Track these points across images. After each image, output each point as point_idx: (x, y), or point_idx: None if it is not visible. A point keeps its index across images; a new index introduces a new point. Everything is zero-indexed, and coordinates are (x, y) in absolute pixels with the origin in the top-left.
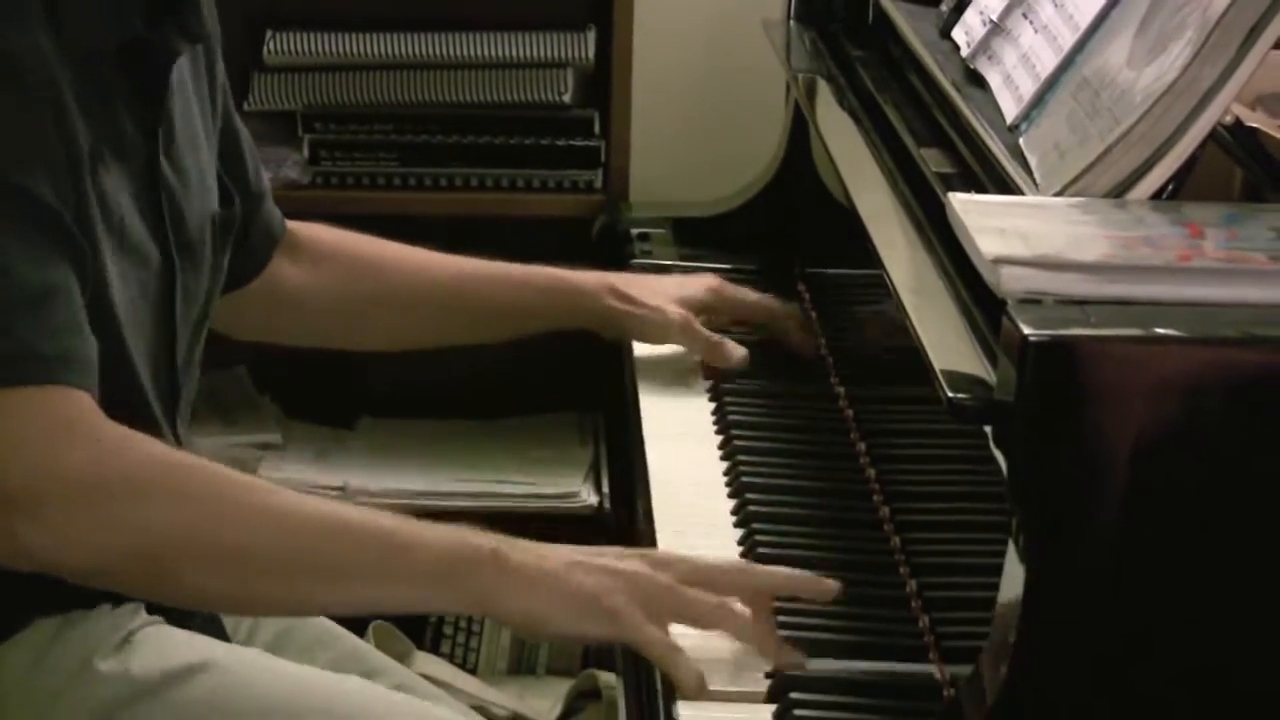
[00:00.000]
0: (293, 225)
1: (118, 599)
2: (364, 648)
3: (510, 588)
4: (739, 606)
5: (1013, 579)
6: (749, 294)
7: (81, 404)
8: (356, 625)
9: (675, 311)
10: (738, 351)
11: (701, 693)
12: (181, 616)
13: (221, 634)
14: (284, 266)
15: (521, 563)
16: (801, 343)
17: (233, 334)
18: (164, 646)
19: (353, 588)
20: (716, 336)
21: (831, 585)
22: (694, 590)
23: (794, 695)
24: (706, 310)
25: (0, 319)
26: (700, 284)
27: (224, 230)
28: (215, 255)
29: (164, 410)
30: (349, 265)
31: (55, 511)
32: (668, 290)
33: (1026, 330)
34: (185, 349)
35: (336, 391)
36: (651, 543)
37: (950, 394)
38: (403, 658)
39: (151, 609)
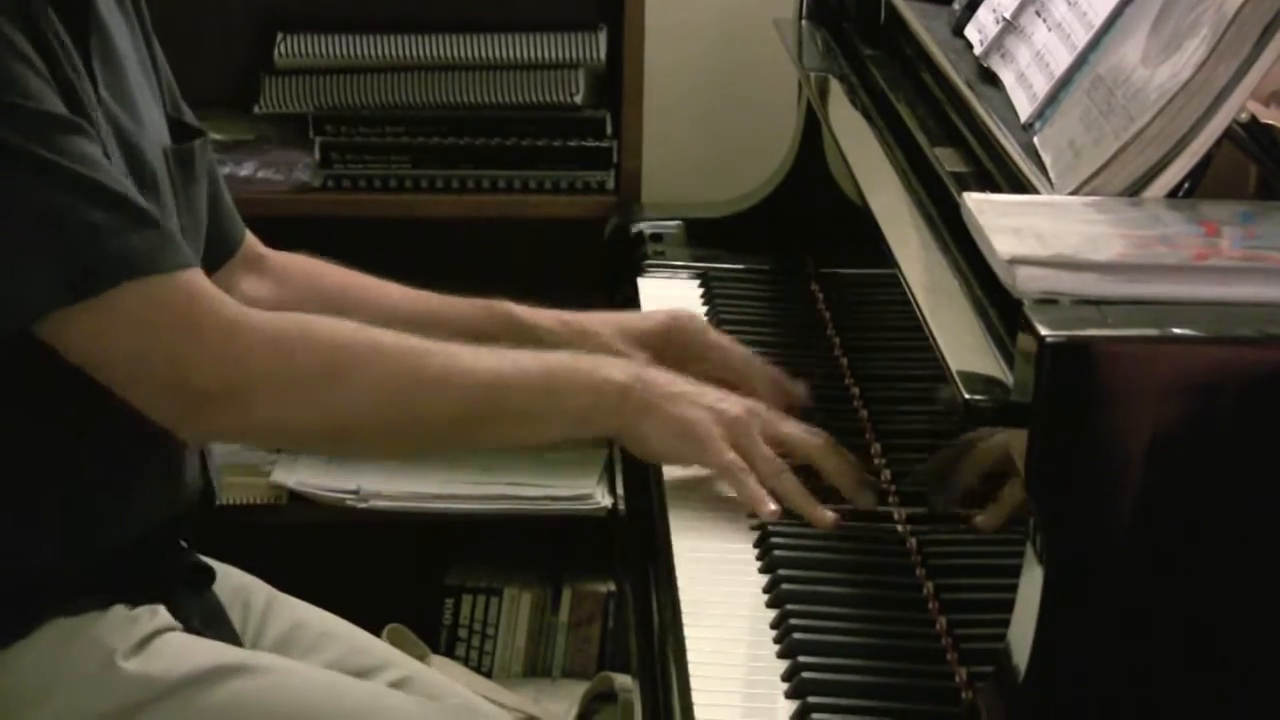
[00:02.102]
0: (270, 251)
1: (133, 600)
2: (372, 642)
3: (628, 415)
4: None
5: (1031, 579)
6: (710, 333)
7: (207, 288)
8: (370, 629)
9: (637, 356)
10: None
11: (767, 513)
12: (192, 617)
13: (232, 633)
14: (245, 280)
15: (640, 392)
16: (773, 399)
17: None
18: (184, 651)
19: (512, 429)
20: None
21: (869, 499)
22: (765, 448)
23: (812, 699)
24: (663, 346)
25: (102, 223)
26: (662, 316)
27: (181, 164)
28: (176, 190)
29: None
30: (309, 289)
31: (249, 402)
32: (626, 326)
33: (1043, 331)
34: None
35: None
36: (667, 546)
37: (967, 395)
38: (419, 661)
39: (171, 612)
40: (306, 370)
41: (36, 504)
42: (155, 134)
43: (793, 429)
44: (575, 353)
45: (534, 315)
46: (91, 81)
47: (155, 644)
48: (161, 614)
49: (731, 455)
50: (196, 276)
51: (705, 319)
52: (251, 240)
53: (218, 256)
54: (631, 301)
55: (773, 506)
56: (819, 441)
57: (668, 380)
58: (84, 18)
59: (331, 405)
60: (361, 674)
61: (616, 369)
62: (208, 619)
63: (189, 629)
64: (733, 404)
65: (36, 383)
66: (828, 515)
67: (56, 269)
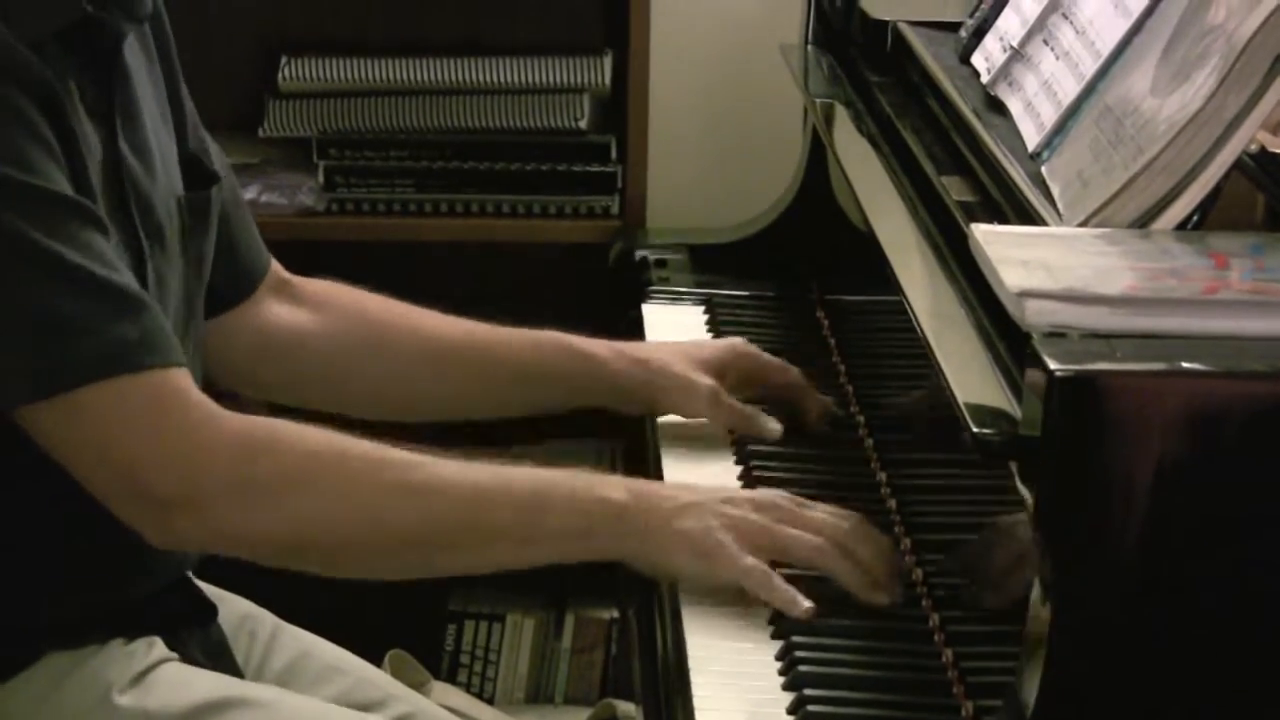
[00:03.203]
0: (293, 277)
1: (131, 633)
2: (376, 675)
3: (631, 538)
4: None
5: (1039, 613)
6: (765, 357)
7: (185, 387)
8: (372, 655)
9: (704, 382)
10: (771, 426)
11: (800, 611)
12: (193, 650)
13: (233, 665)
14: (274, 306)
15: (640, 513)
16: (816, 419)
17: (220, 381)
18: (182, 683)
19: (496, 552)
20: (749, 408)
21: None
22: (791, 529)
23: None
24: (720, 372)
25: (81, 316)
26: (713, 346)
27: (194, 212)
28: (186, 239)
29: None
30: (346, 313)
31: (210, 511)
32: (685, 354)
33: (1053, 365)
34: None
35: (354, 421)
36: (673, 589)
37: (975, 429)
38: (420, 687)
39: (170, 644)
40: (270, 477)
41: (38, 549)
42: (168, 183)
43: (815, 515)
44: (575, 471)
45: (590, 345)
46: (112, 134)
47: (152, 677)
48: (159, 646)
49: (749, 561)
50: (169, 377)
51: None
52: (277, 267)
53: (247, 286)
54: (636, 327)
55: (807, 604)
56: (848, 524)
57: (669, 493)
58: (110, 68)
59: (295, 514)
60: (365, 708)
61: (614, 488)
62: (210, 653)
63: (190, 662)
64: (741, 503)
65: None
66: (883, 591)
67: (24, 363)
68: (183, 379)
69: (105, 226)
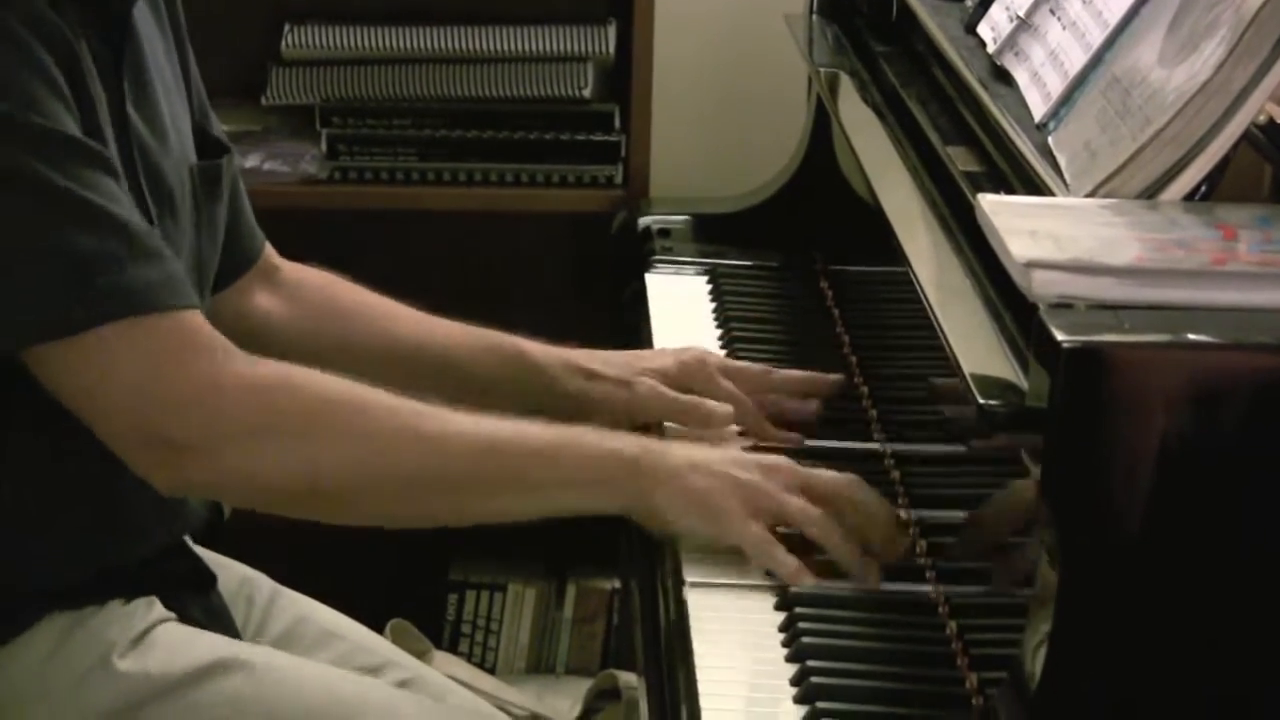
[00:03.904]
0: (285, 262)
1: (130, 595)
2: (375, 640)
3: (640, 489)
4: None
5: (1045, 585)
6: (724, 381)
7: (204, 330)
8: (373, 624)
9: (642, 381)
10: (718, 410)
11: (800, 579)
12: (193, 613)
13: (232, 628)
14: (259, 294)
15: (652, 466)
16: (776, 439)
17: None
18: (182, 645)
19: (508, 500)
20: (689, 398)
21: (901, 547)
22: (796, 499)
23: (821, 704)
24: (671, 381)
25: (102, 255)
26: (671, 355)
27: (206, 181)
28: (199, 208)
29: None
30: (324, 308)
31: (225, 456)
32: (633, 363)
33: (1060, 336)
34: None
35: None
36: (675, 558)
37: (981, 400)
38: (421, 656)
39: (167, 605)
40: (286, 422)
41: (40, 513)
42: (181, 151)
43: (821, 476)
44: (587, 427)
45: (544, 354)
46: (120, 98)
47: (151, 637)
48: (157, 606)
49: (753, 528)
50: (189, 319)
51: (719, 357)
52: (269, 252)
53: (235, 270)
54: (639, 297)
55: (809, 577)
56: (850, 484)
57: (680, 449)
58: (120, 31)
59: (309, 460)
60: (364, 672)
61: (625, 441)
62: (210, 618)
63: (188, 623)
64: (749, 466)
65: (43, 394)
66: (875, 570)
67: (42, 302)
68: (200, 322)
69: (119, 174)
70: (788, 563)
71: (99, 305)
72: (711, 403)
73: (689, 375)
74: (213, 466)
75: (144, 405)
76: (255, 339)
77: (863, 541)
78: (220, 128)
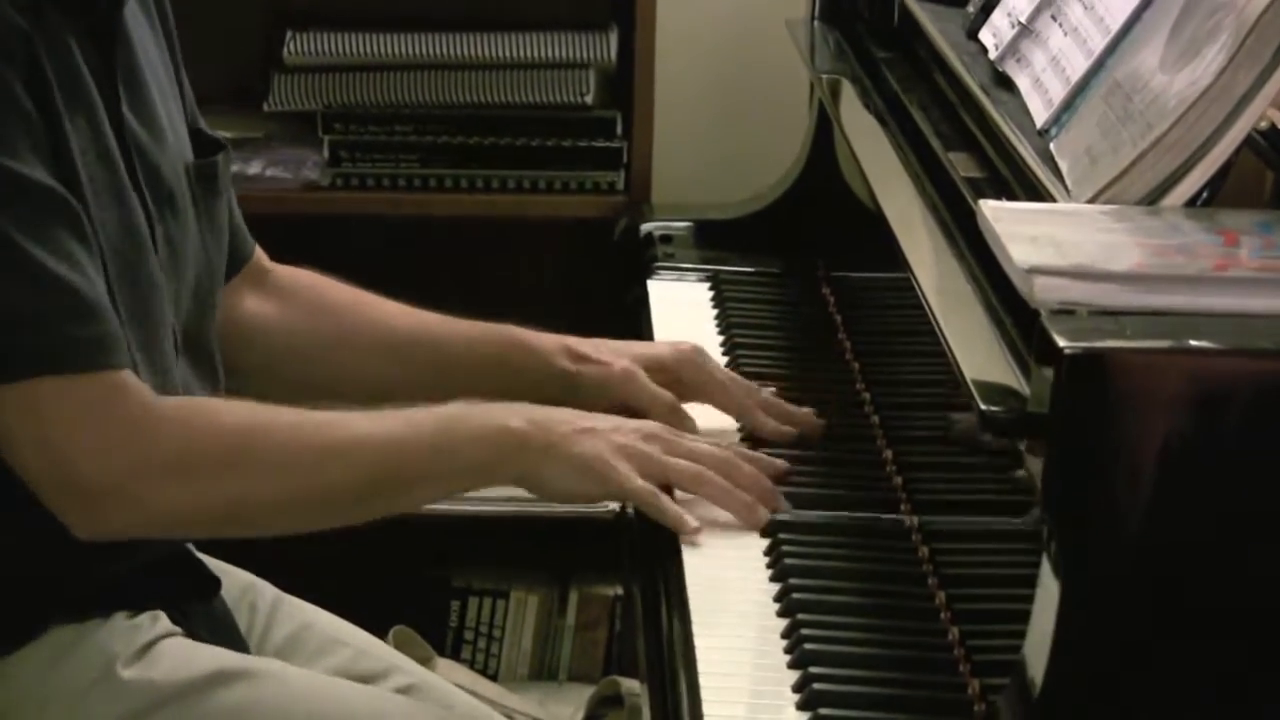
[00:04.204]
0: (275, 266)
1: (135, 607)
2: (378, 646)
3: (533, 462)
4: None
5: (1047, 592)
6: (720, 373)
7: (129, 384)
8: (376, 631)
9: (619, 363)
10: (689, 418)
11: (688, 530)
12: (197, 624)
13: (237, 638)
14: (249, 297)
15: (539, 438)
16: (773, 433)
17: None
18: (186, 656)
19: (417, 492)
20: (667, 397)
21: (783, 505)
22: (674, 458)
23: (823, 711)
24: (665, 372)
25: (33, 312)
26: (668, 346)
27: (203, 179)
28: (198, 206)
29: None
30: (314, 306)
31: (140, 496)
32: (626, 349)
33: (1061, 342)
34: (186, 313)
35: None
36: (676, 551)
37: (983, 406)
38: (424, 663)
39: (172, 618)
40: (203, 458)
41: (44, 520)
42: (178, 150)
43: (695, 445)
44: (469, 404)
45: (540, 341)
46: (115, 99)
47: (156, 650)
48: (163, 620)
49: (639, 481)
50: (116, 378)
51: (707, 354)
52: (259, 255)
53: (227, 272)
54: (641, 304)
55: (694, 523)
56: (725, 454)
57: (565, 418)
58: (110, 32)
59: (226, 492)
60: (367, 679)
61: (512, 415)
62: (214, 627)
63: (193, 637)
64: (629, 432)
65: None
66: (759, 512)
67: None
68: (126, 379)
69: (78, 216)
70: (673, 511)
71: (23, 361)
72: (684, 409)
73: (681, 366)
74: (132, 508)
75: (62, 456)
76: (247, 342)
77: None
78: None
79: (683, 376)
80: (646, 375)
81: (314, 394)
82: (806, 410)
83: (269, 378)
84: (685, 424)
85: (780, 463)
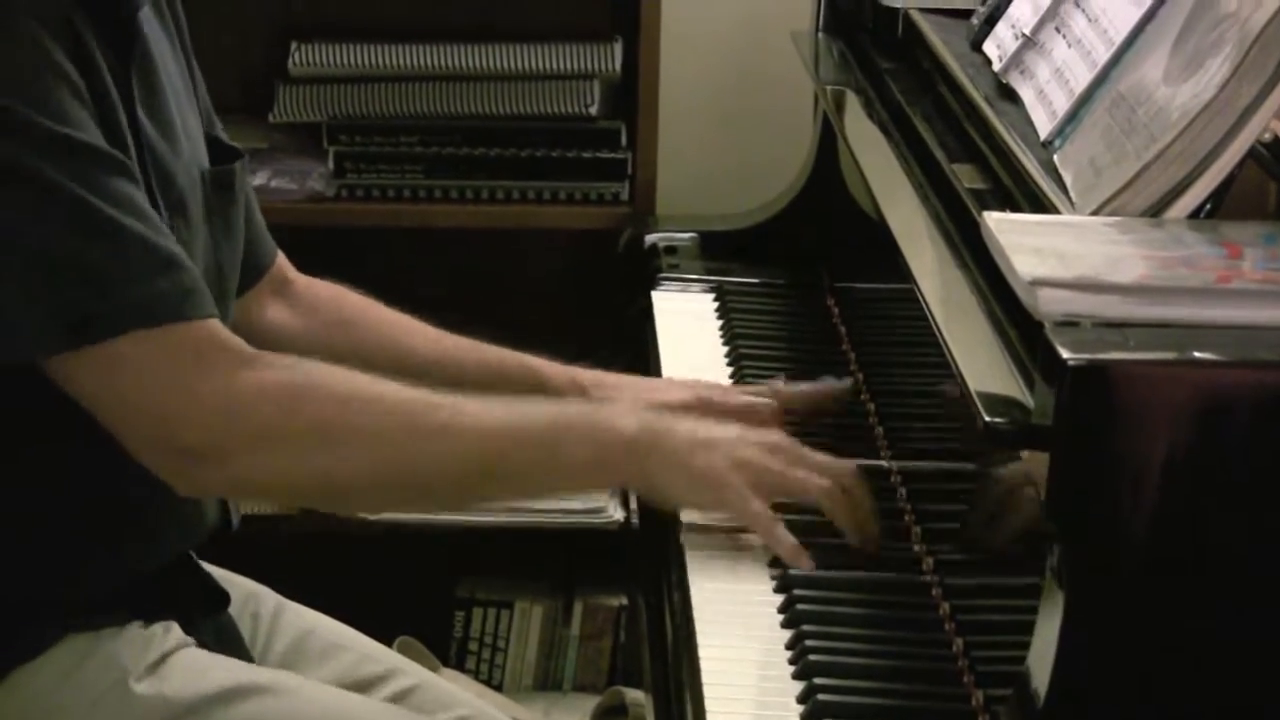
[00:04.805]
0: (297, 275)
1: (149, 617)
2: (380, 650)
3: (642, 469)
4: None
5: (1051, 603)
6: (734, 399)
7: (221, 336)
8: (381, 641)
9: None
10: None
11: (800, 560)
12: (206, 635)
13: (244, 649)
14: (269, 304)
15: (652, 445)
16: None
17: None
18: (199, 670)
19: (515, 486)
20: None
21: (874, 548)
22: (797, 471)
23: None
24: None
25: (116, 269)
26: (679, 390)
27: (220, 186)
28: (213, 212)
29: None
30: (333, 320)
31: (239, 459)
32: (639, 396)
33: (1065, 354)
34: None
35: None
36: (681, 562)
37: (987, 418)
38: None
39: (186, 629)
40: (297, 428)
41: (58, 527)
42: (193, 156)
43: (819, 458)
44: (590, 402)
45: (558, 376)
46: (131, 100)
47: (169, 663)
48: (175, 631)
49: (756, 505)
50: (206, 328)
51: (730, 385)
52: (281, 263)
53: (247, 280)
54: (645, 315)
55: (808, 560)
56: (849, 469)
57: (682, 428)
58: (128, 36)
59: (322, 463)
60: (370, 682)
61: (627, 419)
62: (221, 638)
63: (203, 646)
64: (751, 446)
65: (61, 407)
66: (869, 532)
67: (55, 313)
68: (218, 330)
69: (137, 178)
70: (787, 540)
71: (116, 317)
72: None
73: (703, 413)
74: (228, 471)
75: (160, 413)
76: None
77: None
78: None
79: (706, 409)
80: None
81: None
82: (826, 385)
83: None
84: None
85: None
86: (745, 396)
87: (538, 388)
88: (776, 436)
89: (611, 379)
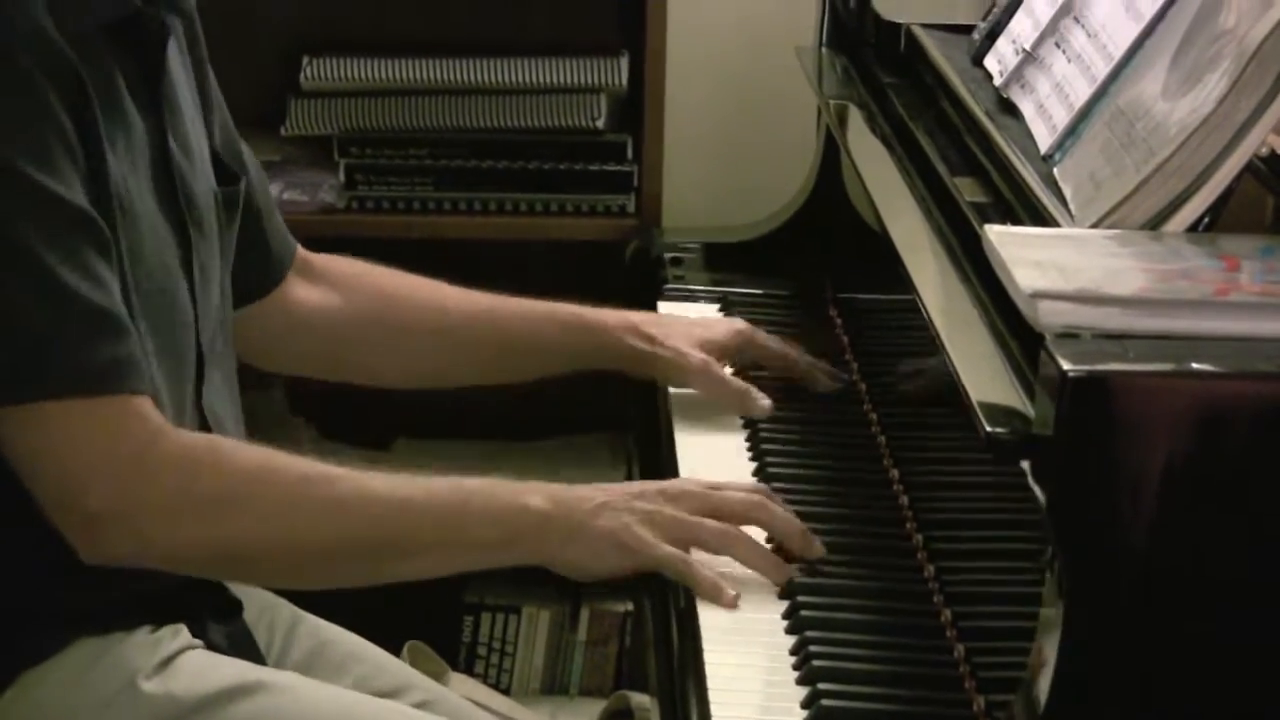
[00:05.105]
0: (313, 255)
1: (158, 621)
2: (393, 663)
3: (553, 543)
4: (745, 532)
5: (1051, 610)
6: (774, 342)
7: (144, 411)
8: (391, 646)
9: (695, 356)
10: (761, 401)
11: (721, 597)
12: (218, 641)
13: (256, 654)
14: (299, 287)
15: (562, 518)
16: (828, 387)
17: (249, 358)
18: (206, 669)
19: (421, 562)
20: (741, 384)
21: (819, 548)
22: (704, 519)
23: None
24: (728, 355)
25: (55, 332)
26: (725, 327)
27: (227, 206)
28: (221, 232)
29: (190, 391)
30: (366, 291)
31: (141, 527)
32: (691, 332)
33: (1066, 365)
34: (210, 334)
35: (372, 413)
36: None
37: (988, 428)
38: (438, 678)
39: (194, 634)
40: (202, 497)
41: (66, 544)
42: (205, 175)
43: (727, 495)
44: (496, 480)
45: (605, 320)
46: (160, 125)
47: (177, 663)
48: (184, 633)
49: (667, 549)
50: (134, 403)
51: (757, 330)
52: (301, 251)
53: (276, 276)
54: None
55: (731, 593)
56: (757, 499)
57: (586, 496)
58: (158, 61)
59: (224, 534)
60: (383, 695)
61: (537, 496)
62: (233, 642)
63: (214, 648)
64: (653, 496)
65: None
66: (786, 570)
67: None
68: (141, 405)
69: (106, 241)
70: (707, 579)
71: (43, 383)
72: (757, 394)
73: (742, 347)
74: (131, 538)
75: (70, 478)
76: (314, 332)
77: (777, 550)
78: (246, 150)
79: (743, 355)
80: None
81: (375, 378)
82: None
83: (328, 365)
84: (758, 407)
85: (818, 547)
86: (779, 341)
87: (587, 330)
88: (680, 484)
89: (665, 317)
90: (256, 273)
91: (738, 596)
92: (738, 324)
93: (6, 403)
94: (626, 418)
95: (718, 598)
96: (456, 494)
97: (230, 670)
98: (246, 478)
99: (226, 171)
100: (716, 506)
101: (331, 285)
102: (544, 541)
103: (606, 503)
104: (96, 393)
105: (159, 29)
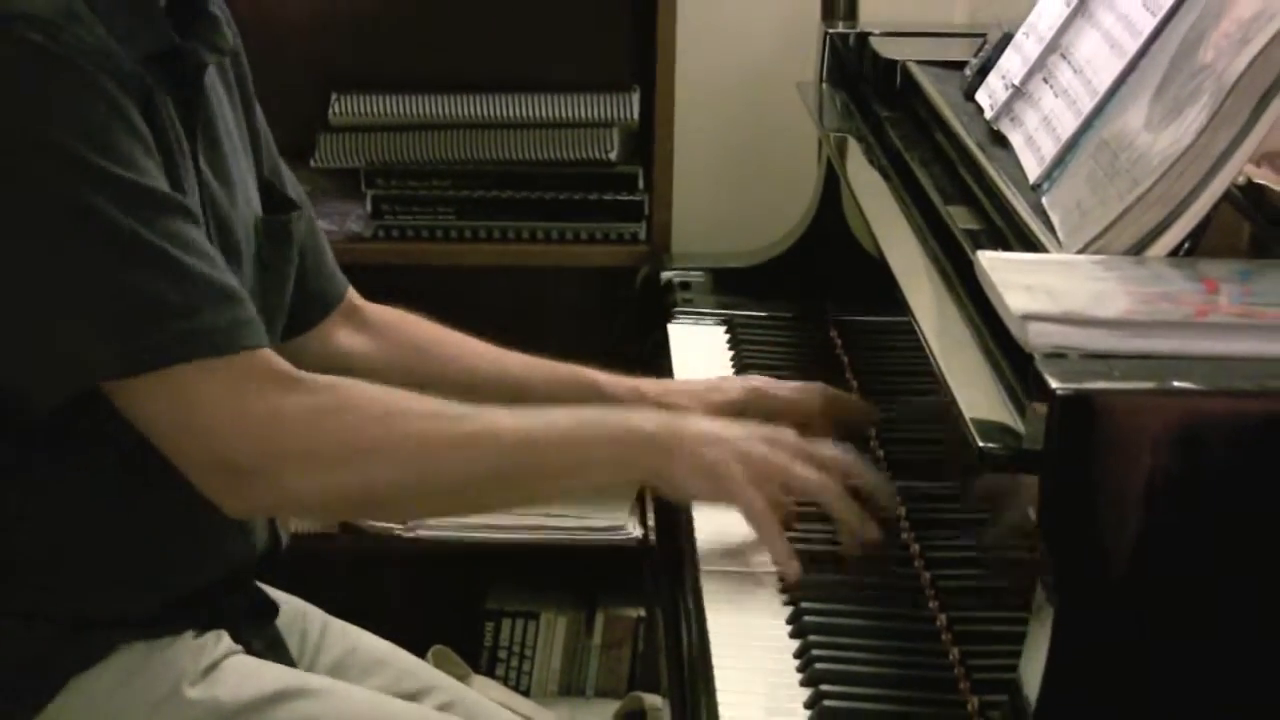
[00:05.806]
0: (365, 303)
1: (201, 627)
2: (420, 666)
3: (658, 463)
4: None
5: (1042, 618)
6: (785, 391)
7: (270, 362)
8: (416, 650)
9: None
10: (792, 563)
11: (788, 564)
12: (255, 645)
13: (288, 658)
14: (343, 333)
15: (667, 440)
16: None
17: None
18: (249, 675)
19: (546, 487)
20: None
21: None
22: (800, 465)
23: None
24: (740, 413)
25: (177, 302)
26: (739, 385)
27: (270, 235)
28: (264, 259)
29: None
30: (409, 345)
31: (283, 477)
32: (708, 399)
33: (1054, 384)
34: None
35: None
36: (695, 576)
37: (981, 443)
38: (461, 680)
39: (235, 638)
40: (338, 446)
41: (118, 542)
42: (247, 205)
43: (823, 452)
44: (605, 407)
45: (615, 386)
46: (195, 151)
47: (220, 669)
48: (226, 639)
49: (758, 502)
50: (257, 357)
51: (774, 385)
52: (351, 293)
53: (321, 312)
54: (661, 345)
55: (797, 565)
56: (850, 457)
57: (698, 424)
58: (195, 89)
59: (362, 478)
60: (410, 697)
61: (646, 418)
62: (269, 648)
63: (251, 653)
64: (758, 441)
65: (121, 431)
66: (872, 527)
67: (115, 342)
68: (269, 357)
69: (200, 221)
70: (781, 545)
71: (172, 347)
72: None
73: (757, 404)
74: (274, 490)
75: (212, 435)
76: (343, 375)
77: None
78: (293, 184)
79: (754, 407)
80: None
81: None
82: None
83: None
84: (790, 568)
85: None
86: (791, 389)
87: (601, 399)
88: (779, 430)
89: (673, 384)
90: (293, 306)
91: (799, 572)
92: (753, 381)
93: (142, 370)
94: None
95: (787, 564)
96: (573, 419)
97: (271, 675)
98: (376, 422)
99: (276, 200)
100: (812, 455)
101: (371, 334)
102: (650, 461)
103: (711, 434)
104: (224, 351)
105: (195, 64)
